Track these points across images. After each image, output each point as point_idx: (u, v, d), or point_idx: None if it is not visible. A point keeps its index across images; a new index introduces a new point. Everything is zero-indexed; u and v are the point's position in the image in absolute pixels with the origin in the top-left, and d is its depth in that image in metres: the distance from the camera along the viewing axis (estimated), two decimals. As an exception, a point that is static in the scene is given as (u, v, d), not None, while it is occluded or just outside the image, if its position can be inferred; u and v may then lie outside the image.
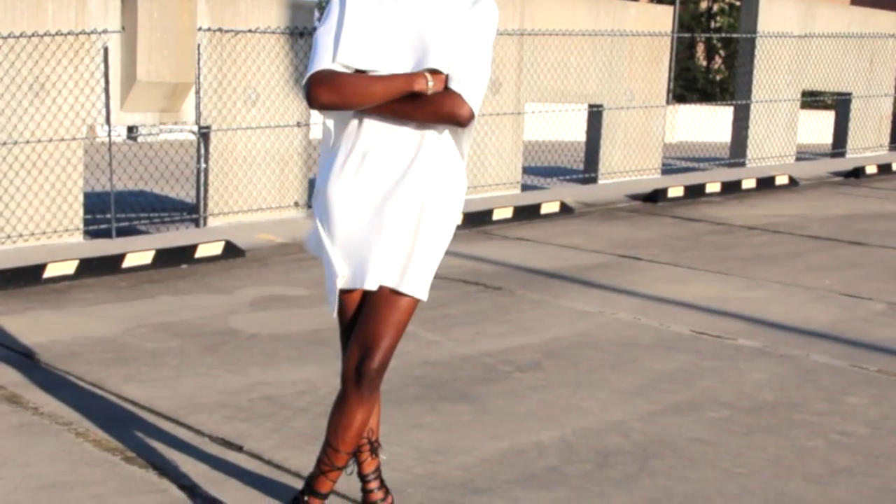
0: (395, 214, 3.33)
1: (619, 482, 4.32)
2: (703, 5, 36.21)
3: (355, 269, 3.36)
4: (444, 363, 5.90)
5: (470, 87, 3.29)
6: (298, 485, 4.14)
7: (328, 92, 3.28)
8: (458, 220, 3.51)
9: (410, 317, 3.39)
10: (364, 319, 3.37)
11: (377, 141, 3.36)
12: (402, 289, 3.33)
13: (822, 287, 7.92)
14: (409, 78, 3.27)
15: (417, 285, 3.36)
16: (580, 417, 5.09)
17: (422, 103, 3.29)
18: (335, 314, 3.46)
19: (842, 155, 16.46)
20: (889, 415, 5.22)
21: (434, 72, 3.28)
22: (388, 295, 3.34)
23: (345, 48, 3.30)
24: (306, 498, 3.51)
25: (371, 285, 3.34)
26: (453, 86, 3.29)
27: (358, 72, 3.31)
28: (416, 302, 3.38)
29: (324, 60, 3.31)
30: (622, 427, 4.96)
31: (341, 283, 3.39)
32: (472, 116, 3.31)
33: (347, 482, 3.82)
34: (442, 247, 3.44)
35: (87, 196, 9.57)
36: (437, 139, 3.38)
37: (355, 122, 3.37)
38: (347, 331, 3.47)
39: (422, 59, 3.29)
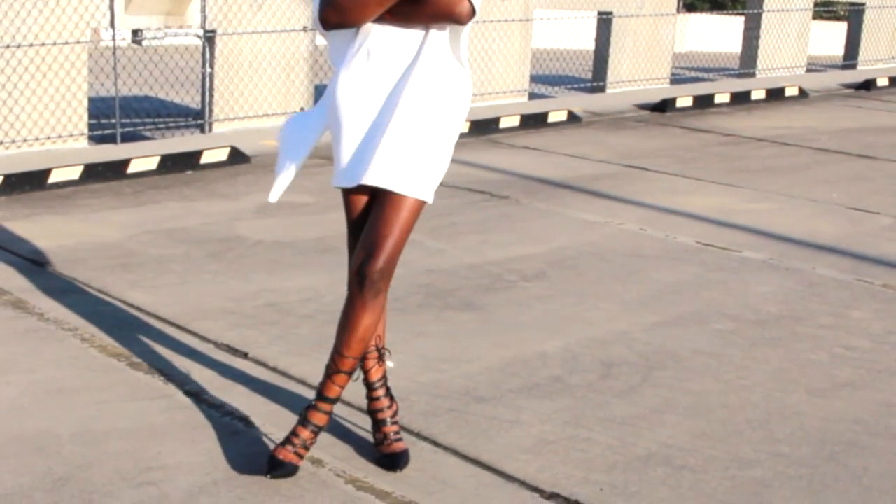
0: (396, 112, 3.32)
1: (623, 392, 4.34)
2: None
3: (356, 165, 3.35)
4: (449, 272, 5.90)
5: None
6: (303, 391, 4.18)
7: (332, 12, 3.33)
8: (462, 125, 3.48)
9: (415, 218, 3.38)
10: (369, 221, 3.38)
11: (381, 43, 3.36)
12: (402, 190, 3.31)
13: (830, 200, 7.89)
14: None
15: (420, 186, 3.34)
16: (584, 328, 5.10)
17: (421, 4, 3.26)
18: (272, 199, 3.59)
19: (853, 67, 16.30)
20: (893, 329, 5.22)
21: None
22: (392, 196, 3.33)
23: None
24: (315, 402, 3.53)
25: (370, 180, 3.31)
26: None
27: None
28: (422, 204, 3.37)
29: None
30: (626, 338, 4.97)
31: (341, 180, 3.40)
32: (472, 13, 3.26)
33: (352, 391, 3.84)
34: (446, 149, 3.43)
35: (92, 101, 9.50)
36: (440, 41, 3.36)
37: (364, 27, 3.37)
38: (353, 234, 3.49)
39: None
